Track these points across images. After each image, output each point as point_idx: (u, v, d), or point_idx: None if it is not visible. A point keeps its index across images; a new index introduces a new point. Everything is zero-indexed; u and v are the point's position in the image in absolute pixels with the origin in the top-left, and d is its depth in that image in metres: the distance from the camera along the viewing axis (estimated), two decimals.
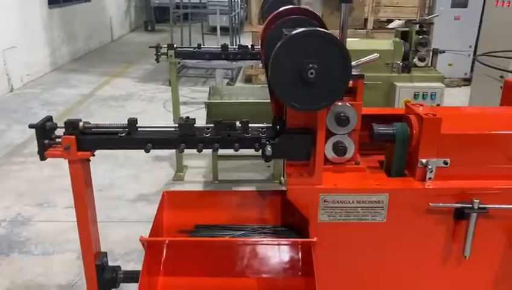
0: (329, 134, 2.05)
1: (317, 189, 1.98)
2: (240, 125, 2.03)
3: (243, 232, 2.26)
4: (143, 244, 1.99)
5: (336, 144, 2.07)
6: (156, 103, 7.37)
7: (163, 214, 2.34)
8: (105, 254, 2.33)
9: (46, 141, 2.05)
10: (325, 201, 1.99)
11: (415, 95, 4.05)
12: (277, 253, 2.17)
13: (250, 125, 2.04)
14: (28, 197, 4.22)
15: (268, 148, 1.94)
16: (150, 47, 4.62)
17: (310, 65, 1.70)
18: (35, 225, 3.83)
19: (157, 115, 6.60)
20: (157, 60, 4.51)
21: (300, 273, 2.14)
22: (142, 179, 4.68)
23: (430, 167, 1.99)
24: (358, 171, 2.12)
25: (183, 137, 2.01)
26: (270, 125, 2.09)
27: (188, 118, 2.07)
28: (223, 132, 2.01)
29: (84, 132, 2.04)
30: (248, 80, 8.51)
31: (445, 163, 2.01)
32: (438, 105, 4.07)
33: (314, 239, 1.93)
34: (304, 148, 1.96)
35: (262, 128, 2.07)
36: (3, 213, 4.00)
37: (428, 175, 2.01)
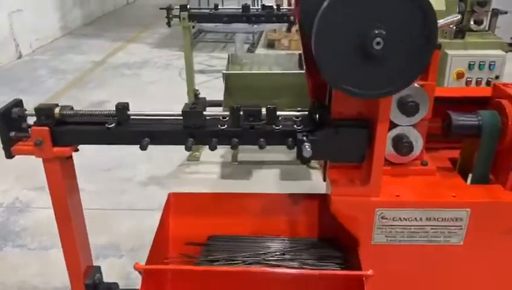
0: (389, 125, 1.51)
1: (373, 202, 1.47)
2: (265, 113, 1.50)
3: (268, 247, 1.77)
4: (140, 272, 1.51)
5: (399, 139, 1.54)
6: (171, 70, 6.85)
7: (168, 221, 1.86)
8: (98, 269, 1.88)
9: (13, 134, 1.56)
10: (382, 218, 1.47)
11: (469, 64, 3.41)
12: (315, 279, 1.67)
13: (279, 113, 1.51)
14: (27, 180, 3.80)
15: (307, 146, 1.41)
16: (161, 8, 4.06)
17: (376, 31, 1.14)
18: (34, 211, 3.42)
19: (172, 85, 6.07)
20: (168, 23, 3.96)
21: None
22: (154, 158, 4.21)
23: None
24: (426, 175, 1.58)
25: (189, 129, 1.50)
26: (307, 112, 1.55)
27: (196, 103, 1.55)
28: (244, 123, 1.49)
29: (61, 121, 1.55)
30: (271, 44, 7.88)
31: None
32: (497, 77, 3.44)
33: (369, 272, 1.42)
34: (356, 147, 1.42)
35: (296, 116, 1.53)
36: (1, 198, 3.61)
37: None
